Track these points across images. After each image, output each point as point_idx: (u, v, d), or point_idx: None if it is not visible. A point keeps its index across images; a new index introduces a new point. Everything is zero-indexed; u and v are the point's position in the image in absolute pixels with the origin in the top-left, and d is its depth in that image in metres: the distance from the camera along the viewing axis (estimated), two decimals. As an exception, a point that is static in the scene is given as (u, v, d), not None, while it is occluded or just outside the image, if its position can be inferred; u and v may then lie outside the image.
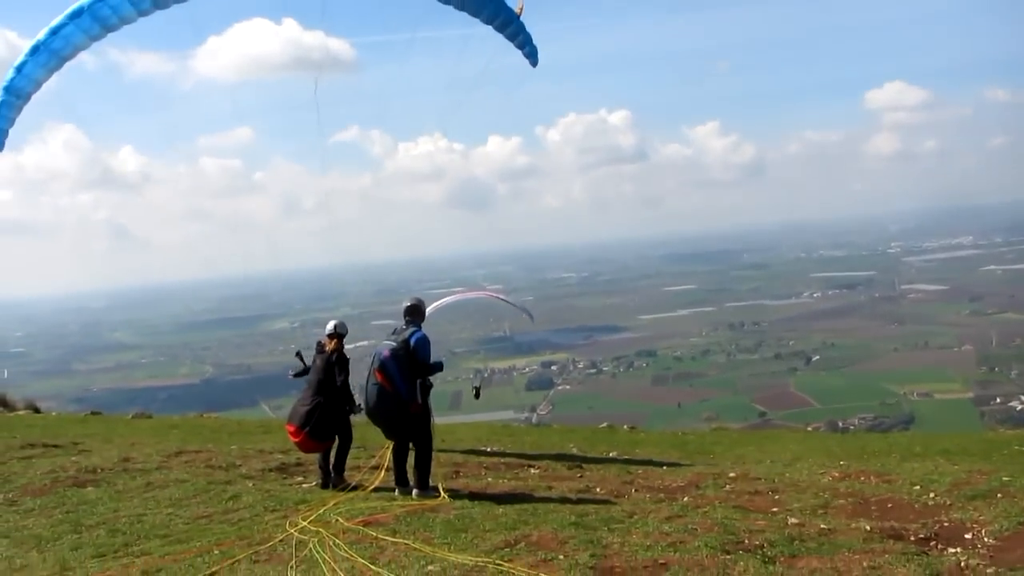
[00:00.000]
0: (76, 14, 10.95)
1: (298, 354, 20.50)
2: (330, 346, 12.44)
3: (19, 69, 11.08)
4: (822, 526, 9.75)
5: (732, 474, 14.15)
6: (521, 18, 11.97)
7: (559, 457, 17.56)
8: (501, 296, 25.57)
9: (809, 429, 34.90)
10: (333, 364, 12.24)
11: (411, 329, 11.94)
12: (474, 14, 11.94)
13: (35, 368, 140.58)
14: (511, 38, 12.24)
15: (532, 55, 12.42)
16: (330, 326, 12.67)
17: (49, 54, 11.07)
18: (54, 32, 11.02)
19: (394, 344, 11.74)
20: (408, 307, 12.22)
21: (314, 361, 12.49)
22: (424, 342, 11.82)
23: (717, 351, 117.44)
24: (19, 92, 11.33)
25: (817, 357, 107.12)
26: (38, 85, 11.31)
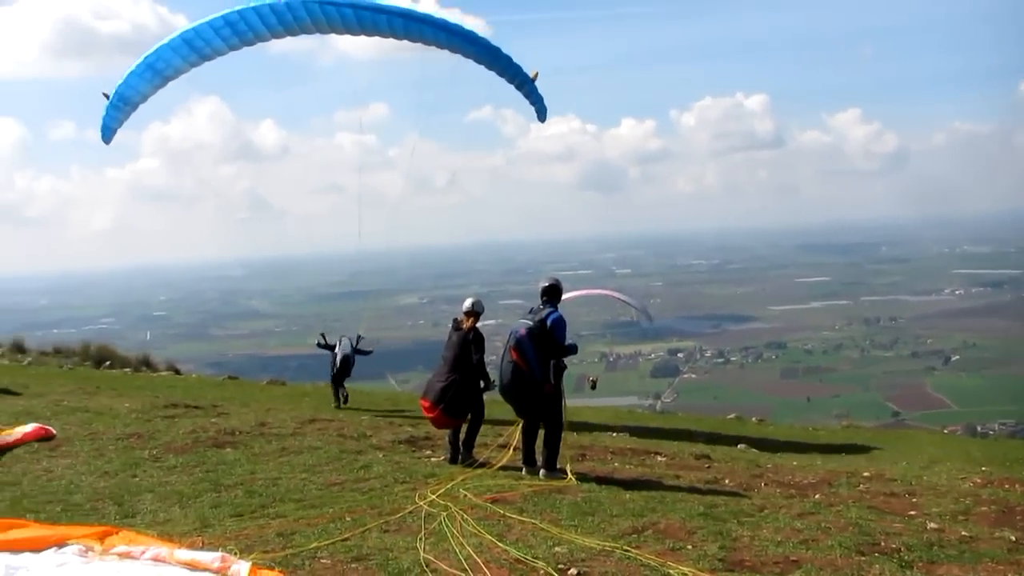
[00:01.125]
0: (176, 44, 11.69)
1: (321, 335, 21.53)
2: (467, 324, 12.52)
3: (127, 79, 11.93)
4: (963, 533, 9.39)
5: (866, 473, 13.78)
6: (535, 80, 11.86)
7: (686, 446, 17.39)
8: (621, 296, 25.69)
9: (946, 432, 33.70)
10: (469, 342, 12.31)
11: (548, 309, 11.96)
12: (489, 67, 11.86)
13: (175, 331, 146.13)
14: (525, 95, 12.15)
15: (541, 113, 12.30)
16: (467, 303, 12.75)
17: (153, 72, 11.78)
18: (158, 53, 11.73)
19: (531, 323, 11.78)
20: (546, 287, 12.23)
21: (450, 337, 12.59)
22: (561, 323, 11.82)
23: (850, 346, 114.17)
24: (125, 99, 12.35)
25: (957, 357, 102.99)
26: (143, 97, 12.07)
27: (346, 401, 22.42)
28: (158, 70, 11.75)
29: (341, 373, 22.44)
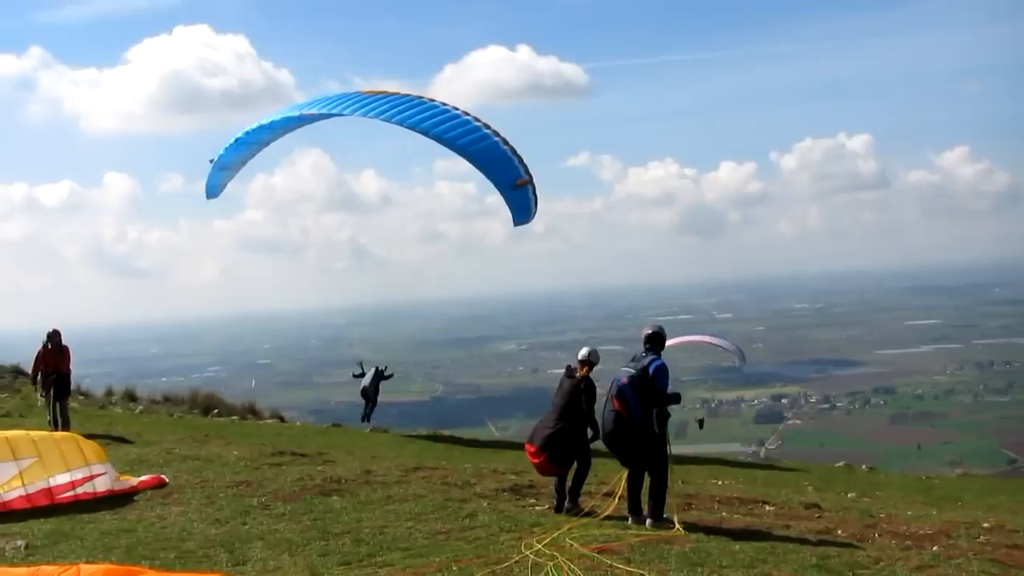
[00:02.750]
0: (259, 126, 12.93)
1: (359, 364, 22.71)
2: (581, 372, 12.46)
3: (224, 149, 13.20)
4: (1095, 588, 8.94)
5: (986, 524, 13.25)
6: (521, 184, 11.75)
7: (794, 495, 16.97)
8: (713, 340, 25.84)
9: (1068, 480, 32.31)
10: (581, 390, 12.25)
11: (650, 357, 11.88)
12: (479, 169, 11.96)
13: (279, 379, 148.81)
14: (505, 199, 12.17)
15: (517, 216, 12.11)
16: (583, 352, 12.70)
17: (241, 144, 13.26)
18: (246, 132, 13.00)
19: (633, 371, 11.71)
20: (649, 334, 12.15)
21: (561, 384, 12.52)
22: (663, 370, 11.72)
23: (963, 391, 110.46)
24: (223, 164, 13.48)
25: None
26: (239, 162, 13.57)
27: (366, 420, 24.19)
28: (246, 143, 13.11)
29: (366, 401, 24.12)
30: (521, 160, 11.23)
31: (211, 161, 12.97)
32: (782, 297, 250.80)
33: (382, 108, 11.55)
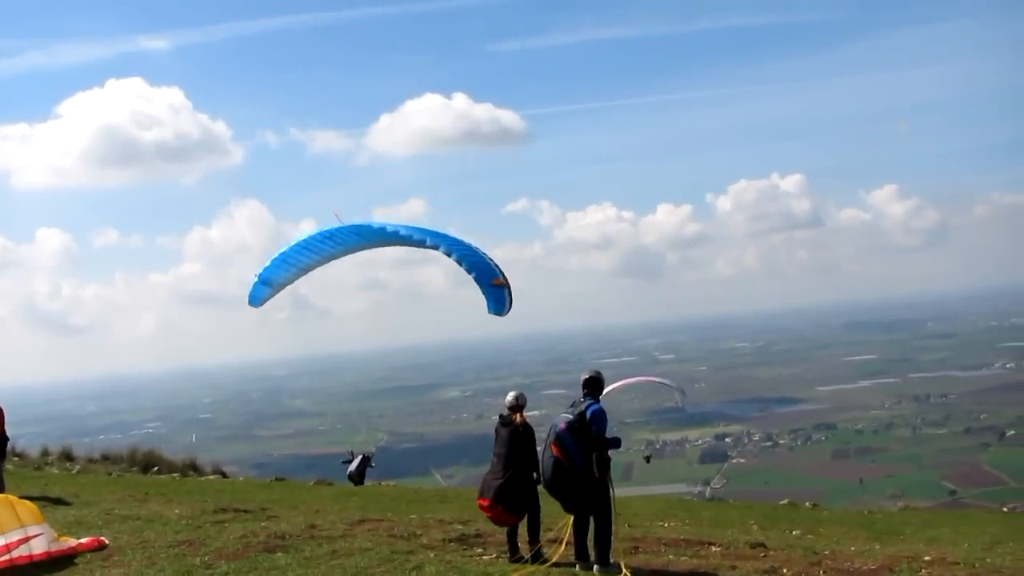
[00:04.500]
0: (297, 246, 13.65)
1: (350, 452, 22.44)
2: (516, 417, 12.46)
3: (267, 266, 13.77)
4: (1034, 618, 9.12)
5: (928, 557, 13.46)
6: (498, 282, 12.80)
7: (740, 534, 17.08)
8: (654, 379, 26.24)
9: (1006, 510, 32.85)
10: (520, 435, 12.25)
11: (588, 401, 11.95)
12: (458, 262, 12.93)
13: (220, 433, 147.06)
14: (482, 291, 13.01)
15: (491, 307, 12.96)
16: (510, 398, 12.69)
17: (288, 266, 13.83)
18: (288, 251, 13.66)
19: (571, 417, 11.76)
20: (586, 379, 12.23)
21: (498, 433, 12.51)
22: (600, 415, 11.79)
23: (901, 424, 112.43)
24: (267, 281, 13.98)
25: (1012, 432, 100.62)
26: (281, 281, 14.04)
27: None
28: (286, 260, 13.72)
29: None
30: (499, 267, 12.47)
31: (256, 276, 13.71)
32: (722, 337, 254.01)
33: (411, 232, 12.72)
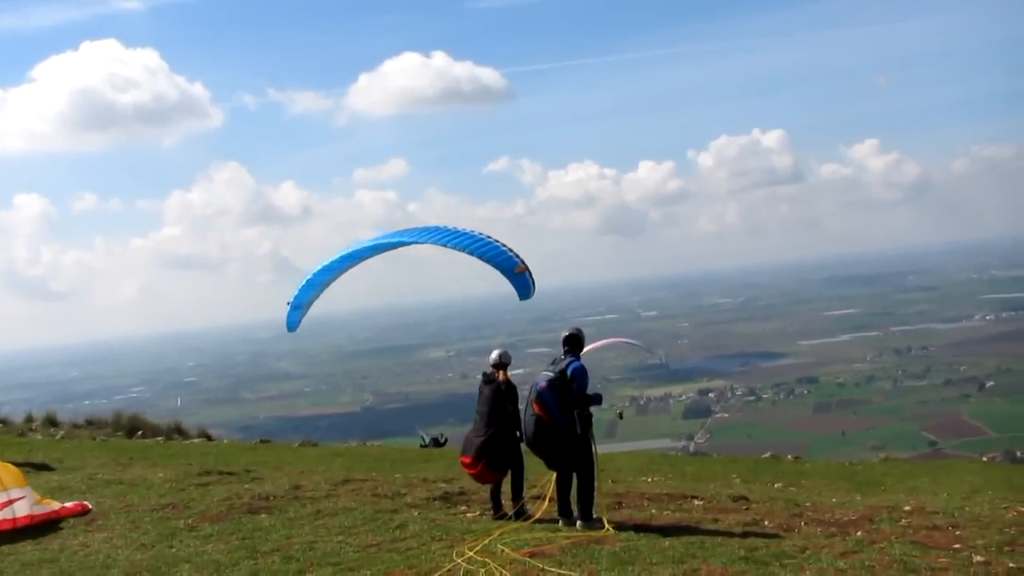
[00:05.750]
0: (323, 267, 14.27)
1: (422, 436, 23.90)
2: (499, 375, 12.47)
3: (298, 291, 14.46)
4: (1011, 565, 9.23)
5: (907, 507, 13.57)
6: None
7: (722, 488, 17.20)
8: (622, 340, 26.56)
9: (985, 459, 33.20)
10: (503, 393, 12.27)
11: (569, 359, 11.95)
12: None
13: (205, 396, 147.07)
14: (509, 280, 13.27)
15: (520, 293, 13.20)
16: (494, 356, 12.71)
17: (315, 287, 14.52)
18: (315, 273, 14.38)
19: (551, 375, 11.76)
20: (566, 336, 12.22)
21: (481, 391, 12.51)
22: (581, 372, 11.79)
23: (882, 377, 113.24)
24: (299, 304, 14.63)
25: (991, 383, 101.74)
26: (310, 301, 14.69)
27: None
28: (313, 284, 14.41)
29: None
30: (517, 254, 12.80)
31: (288, 303, 14.40)
32: (705, 293, 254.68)
33: (427, 235, 13.15)
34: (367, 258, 14.15)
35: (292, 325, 14.76)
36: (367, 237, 14.28)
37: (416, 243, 13.28)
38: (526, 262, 12.95)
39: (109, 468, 19.11)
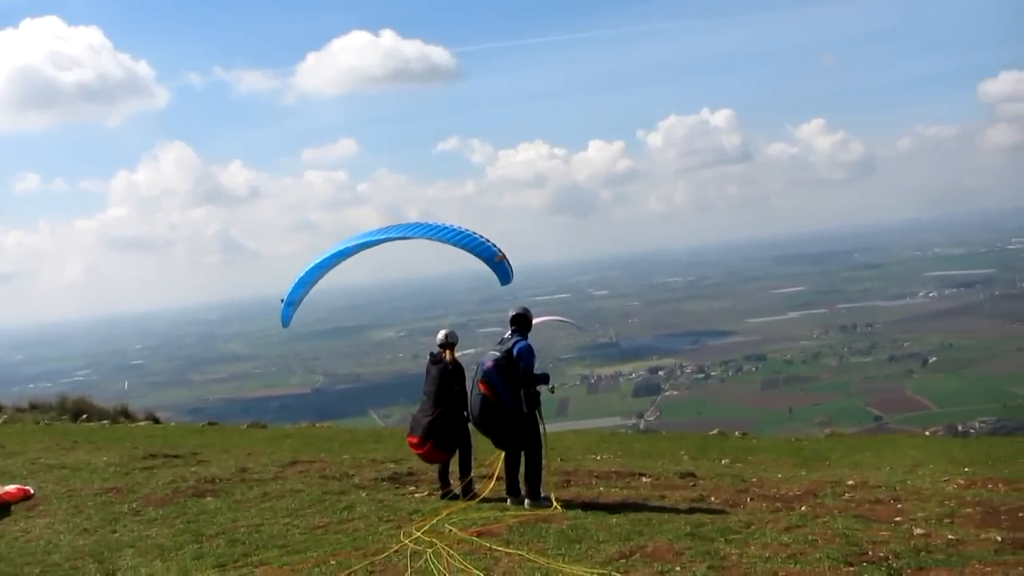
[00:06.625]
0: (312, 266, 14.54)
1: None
2: (446, 355, 12.44)
3: (291, 289, 14.66)
4: (949, 536, 9.38)
5: (851, 482, 13.78)
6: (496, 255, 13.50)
7: (670, 465, 17.34)
8: (556, 317, 26.88)
9: (928, 433, 33.76)
10: (450, 373, 12.24)
11: (515, 339, 11.93)
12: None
13: (153, 379, 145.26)
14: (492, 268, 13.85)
15: (501, 280, 13.72)
16: (441, 335, 12.68)
17: (306, 284, 14.77)
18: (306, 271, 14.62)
19: (498, 354, 11.74)
20: (513, 316, 12.20)
21: (428, 371, 12.47)
22: (527, 351, 11.78)
23: (829, 354, 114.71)
24: (292, 302, 14.82)
25: (934, 359, 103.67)
26: (302, 297, 14.93)
27: None
28: (305, 281, 14.73)
29: None
30: (494, 244, 13.27)
31: (281, 300, 14.73)
32: (655, 272, 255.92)
33: (411, 231, 13.64)
34: (355, 254, 14.49)
35: (286, 321, 15.16)
36: (352, 235, 14.67)
37: (403, 238, 13.60)
38: (502, 251, 13.31)
39: (52, 452, 18.83)
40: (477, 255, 13.09)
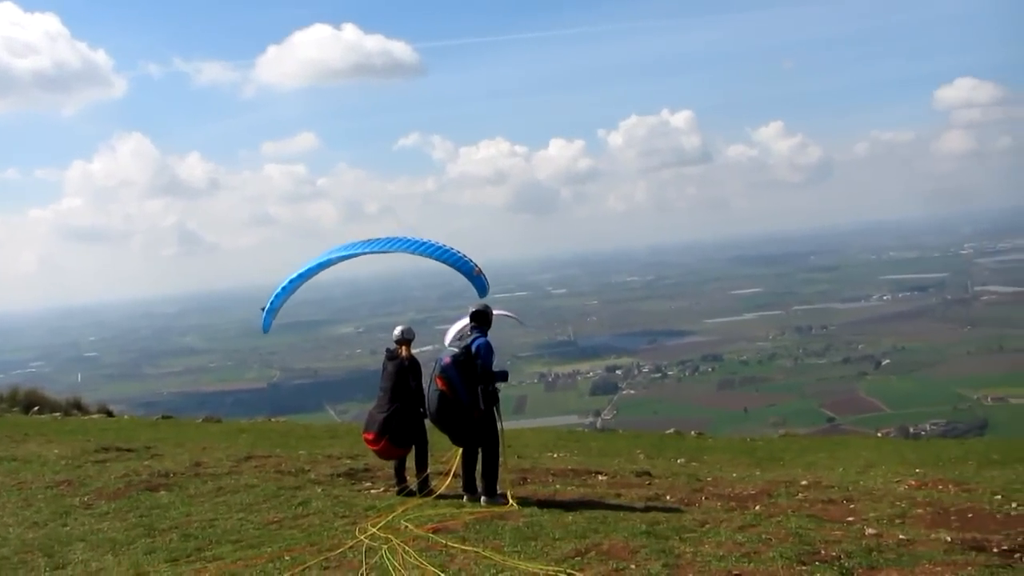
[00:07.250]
0: (296, 275, 14.56)
1: None
2: (402, 351, 12.40)
3: (273, 297, 14.77)
4: (900, 536, 9.49)
5: (804, 482, 13.90)
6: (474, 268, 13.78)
7: (626, 463, 17.41)
8: (504, 312, 27.19)
9: (880, 435, 34.25)
10: (407, 369, 12.21)
11: (474, 335, 11.92)
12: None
13: (107, 372, 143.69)
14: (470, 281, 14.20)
15: (480, 292, 13.95)
16: (397, 332, 12.63)
17: (288, 292, 14.80)
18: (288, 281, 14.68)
19: (456, 351, 11.72)
20: (473, 313, 12.20)
21: (385, 367, 12.43)
22: (486, 348, 11.76)
23: (784, 355, 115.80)
24: (273, 309, 14.91)
25: (887, 361, 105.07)
26: (283, 302, 14.95)
27: None
28: (287, 289, 14.78)
29: None
30: (470, 259, 13.60)
31: (262, 309, 14.88)
32: (614, 271, 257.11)
33: (391, 245, 13.79)
34: (336, 264, 14.59)
35: (267, 328, 15.31)
36: (336, 245, 14.63)
37: (384, 252, 13.74)
38: (478, 265, 13.64)
39: (2, 444, 18.58)
40: (456, 269, 13.32)
